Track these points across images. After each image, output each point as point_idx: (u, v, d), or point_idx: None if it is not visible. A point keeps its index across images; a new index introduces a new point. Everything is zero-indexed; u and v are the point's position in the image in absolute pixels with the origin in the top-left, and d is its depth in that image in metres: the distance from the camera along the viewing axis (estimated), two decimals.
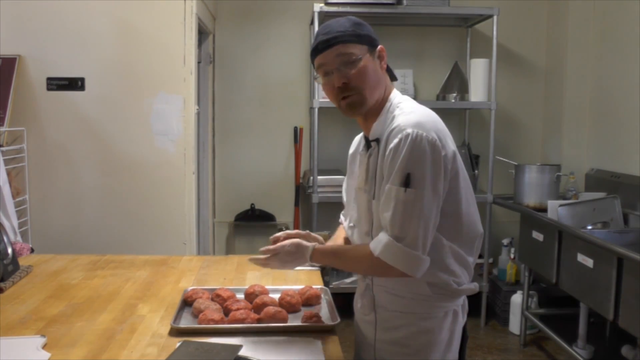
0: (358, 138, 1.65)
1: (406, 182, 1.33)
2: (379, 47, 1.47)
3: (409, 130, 1.35)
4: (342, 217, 1.74)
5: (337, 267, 1.60)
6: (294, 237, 1.57)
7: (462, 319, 1.53)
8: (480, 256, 3.93)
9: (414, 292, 1.45)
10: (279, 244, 1.54)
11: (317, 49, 1.44)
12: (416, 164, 1.33)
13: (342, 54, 1.41)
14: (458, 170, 1.42)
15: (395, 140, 1.35)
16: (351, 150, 1.66)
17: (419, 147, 1.34)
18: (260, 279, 2.01)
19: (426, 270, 1.38)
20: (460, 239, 1.45)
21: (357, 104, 1.44)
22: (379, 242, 1.38)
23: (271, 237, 1.63)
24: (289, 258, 1.52)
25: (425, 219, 1.35)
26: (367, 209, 1.48)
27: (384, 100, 1.49)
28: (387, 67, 1.52)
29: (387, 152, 1.38)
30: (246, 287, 1.81)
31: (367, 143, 1.51)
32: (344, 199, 1.69)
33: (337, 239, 1.70)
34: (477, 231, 1.49)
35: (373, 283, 1.53)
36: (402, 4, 3.76)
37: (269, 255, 1.54)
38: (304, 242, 1.53)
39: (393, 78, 1.55)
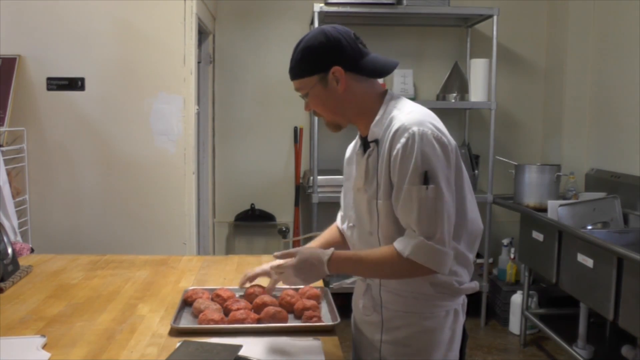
0: (353, 144, 1.65)
1: (425, 180, 1.34)
2: (332, 69, 1.41)
3: (415, 129, 1.35)
4: (338, 219, 1.75)
5: (357, 273, 1.53)
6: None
7: (462, 318, 1.53)
8: (481, 256, 3.93)
9: (416, 292, 1.45)
10: (294, 249, 1.48)
11: None
12: (429, 160, 1.34)
13: (297, 88, 1.50)
14: (461, 165, 1.44)
15: (403, 140, 1.35)
16: (347, 154, 1.65)
17: (428, 143, 1.34)
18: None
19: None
20: (464, 237, 1.45)
21: (330, 125, 1.53)
22: (408, 243, 1.36)
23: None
24: (304, 265, 1.44)
25: (448, 213, 1.36)
26: (367, 209, 1.48)
27: (374, 102, 1.47)
28: (374, 59, 1.46)
29: (393, 152, 1.37)
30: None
31: (364, 144, 1.51)
32: (342, 201, 1.68)
33: (322, 237, 1.72)
34: (479, 228, 1.50)
35: (374, 283, 1.52)
36: (402, 4, 3.75)
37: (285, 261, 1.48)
38: (321, 249, 1.49)
39: (379, 74, 1.50)
